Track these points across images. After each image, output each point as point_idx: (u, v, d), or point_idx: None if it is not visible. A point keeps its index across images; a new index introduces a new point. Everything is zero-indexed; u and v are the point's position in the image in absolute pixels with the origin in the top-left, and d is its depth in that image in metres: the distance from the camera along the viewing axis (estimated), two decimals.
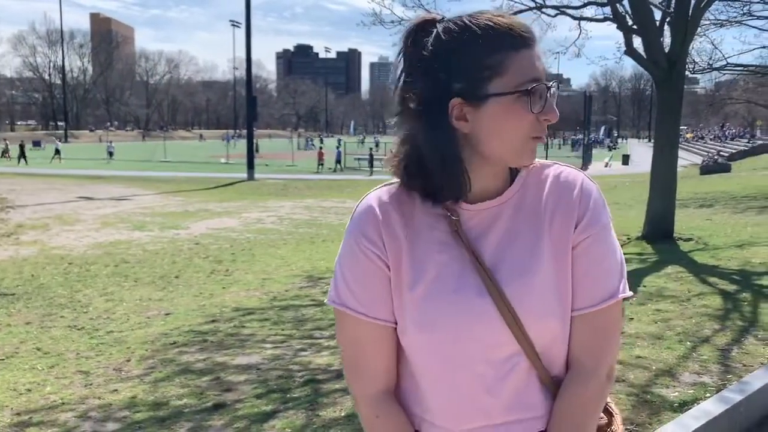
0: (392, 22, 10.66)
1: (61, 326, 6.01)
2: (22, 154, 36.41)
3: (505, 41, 1.01)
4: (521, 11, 10.44)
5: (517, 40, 1.02)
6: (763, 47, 17.74)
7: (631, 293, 1.12)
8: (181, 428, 3.58)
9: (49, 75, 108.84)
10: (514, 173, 1.13)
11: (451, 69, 1.01)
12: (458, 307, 1.06)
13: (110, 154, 41.95)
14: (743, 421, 3.44)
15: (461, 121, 1.02)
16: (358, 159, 37.86)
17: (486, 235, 1.09)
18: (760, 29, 15.83)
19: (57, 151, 39.08)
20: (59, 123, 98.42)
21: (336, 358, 4.75)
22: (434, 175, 1.05)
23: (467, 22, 1.02)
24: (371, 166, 34.06)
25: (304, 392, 4.05)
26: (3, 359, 5.10)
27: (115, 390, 4.23)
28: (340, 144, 40.91)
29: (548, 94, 1.02)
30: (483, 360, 1.06)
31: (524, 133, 1.03)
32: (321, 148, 39.64)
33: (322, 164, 34.85)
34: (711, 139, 63.07)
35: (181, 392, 4.13)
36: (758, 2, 13.51)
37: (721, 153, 39.74)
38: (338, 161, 36.14)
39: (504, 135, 1.03)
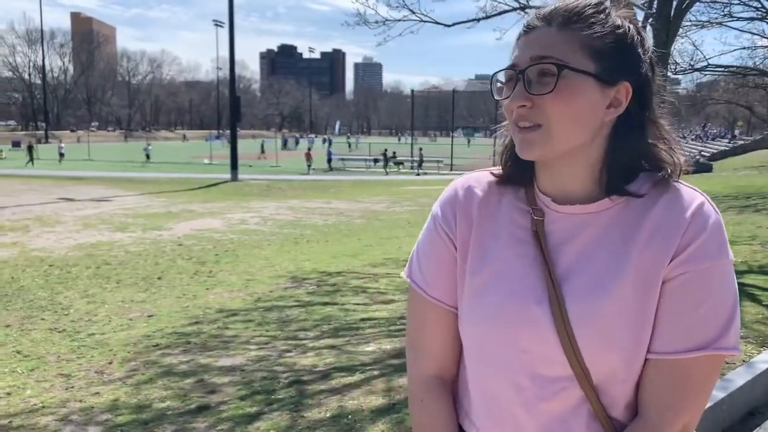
0: (376, 22, 10.59)
1: (41, 329, 5.93)
2: (31, 156, 35.90)
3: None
4: (505, 11, 10.46)
5: (523, 27, 1.02)
6: (744, 48, 17.94)
7: (735, 351, 0.94)
8: (165, 431, 3.54)
9: (29, 75, 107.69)
10: (621, 182, 0.99)
11: None
12: (510, 309, 1.00)
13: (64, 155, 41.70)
14: (726, 418, 3.47)
15: None
16: (343, 159, 37.84)
17: (567, 243, 1.01)
18: (740, 30, 15.95)
19: (61, 155, 38.85)
20: (40, 123, 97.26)
21: (321, 359, 4.73)
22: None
23: None
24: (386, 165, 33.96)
25: (288, 393, 4.02)
26: None
27: (97, 393, 4.18)
28: (330, 143, 40.94)
29: (518, 80, 0.97)
30: (527, 373, 0.99)
31: (508, 118, 1.01)
32: (309, 149, 39.53)
33: (310, 165, 34.72)
34: (692, 139, 63.77)
35: (164, 394, 4.09)
36: (738, 3, 13.67)
37: (703, 153, 40.22)
38: (329, 161, 36.11)
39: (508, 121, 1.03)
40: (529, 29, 1.00)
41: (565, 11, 0.97)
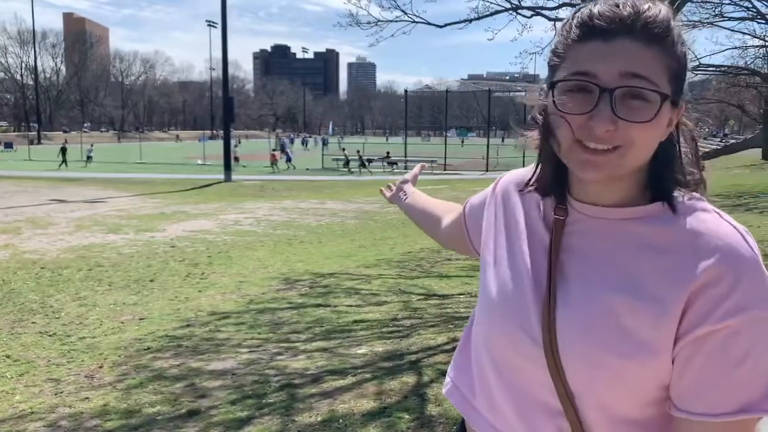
0: (368, 23, 10.60)
1: (32, 332, 5.89)
2: (64, 158, 35.24)
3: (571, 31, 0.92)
4: (497, 12, 10.49)
5: (591, 23, 0.90)
6: (735, 48, 18.00)
7: None
8: None
9: (21, 75, 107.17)
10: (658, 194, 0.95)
11: None
12: (507, 307, 1.01)
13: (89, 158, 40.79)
14: None
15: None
16: (336, 159, 37.78)
17: (580, 246, 0.97)
18: (731, 30, 16.02)
19: (89, 157, 37.98)
20: (32, 124, 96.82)
21: (312, 362, 4.71)
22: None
23: None
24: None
25: (279, 397, 4.01)
26: None
27: (87, 398, 4.15)
28: (291, 143, 40.87)
29: (601, 98, 0.86)
30: (511, 367, 1.01)
31: (566, 133, 0.90)
32: (274, 150, 39.04)
33: (275, 164, 34.60)
34: None
35: (155, 399, 4.07)
36: (729, 3, 13.74)
37: None
38: (288, 160, 36.03)
39: (556, 131, 0.93)
40: (607, 34, 0.88)
41: (652, 24, 0.88)
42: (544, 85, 0.96)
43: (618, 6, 0.88)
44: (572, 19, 0.92)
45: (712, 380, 0.84)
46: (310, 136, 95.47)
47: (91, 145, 43.41)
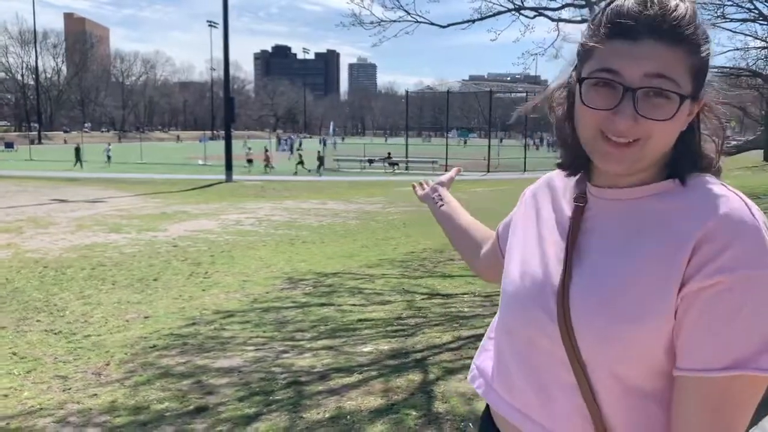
0: (372, 23, 10.61)
1: (37, 330, 5.90)
2: (78, 158, 35.06)
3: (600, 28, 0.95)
4: (500, 12, 10.49)
5: (617, 23, 0.93)
6: (736, 49, 18.04)
7: None
8: None
9: (22, 75, 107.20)
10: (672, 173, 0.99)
11: None
12: (525, 291, 1.07)
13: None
14: None
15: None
16: (338, 160, 37.80)
17: (598, 230, 1.02)
18: (733, 32, 16.00)
19: (108, 158, 37.77)
20: (33, 124, 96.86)
21: (318, 360, 4.73)
22: None
23: None
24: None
25: (286, 395, 4.03)
26: None
27: (95, 394, 4.17)
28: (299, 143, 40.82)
29: (625, 96, 0.91)
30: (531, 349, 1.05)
31: (591, 123, 0.95)
32: (267, 149, 38.27)
33: (268, 165, 34.46)
34: None
35: (162, 396, 4.08)
36: (731, 5, 13.74)
37: None
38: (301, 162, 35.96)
39: (580, 120, 0.98)
40: (634, 33, 0.91)
41: (674, 26, 0.91)
42: (573, 74, 1.00)
43: (646, 5, 0.91)
44: (602, 14, 0.95)
45: (703, 336, 0.86)
46: (309, 137, 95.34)
47: (109, 145, 43.01)
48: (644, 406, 0.94)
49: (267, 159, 34.30)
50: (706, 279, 0.86)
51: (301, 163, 34.16)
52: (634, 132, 0.91)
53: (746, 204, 0.90)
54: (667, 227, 0.92)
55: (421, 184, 1.74)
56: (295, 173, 32.14)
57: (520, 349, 1.06)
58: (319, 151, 35.77)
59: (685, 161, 0.98)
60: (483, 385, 1.18)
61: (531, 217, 1.17)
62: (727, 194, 0.92)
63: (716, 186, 0.95)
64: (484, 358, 1.21)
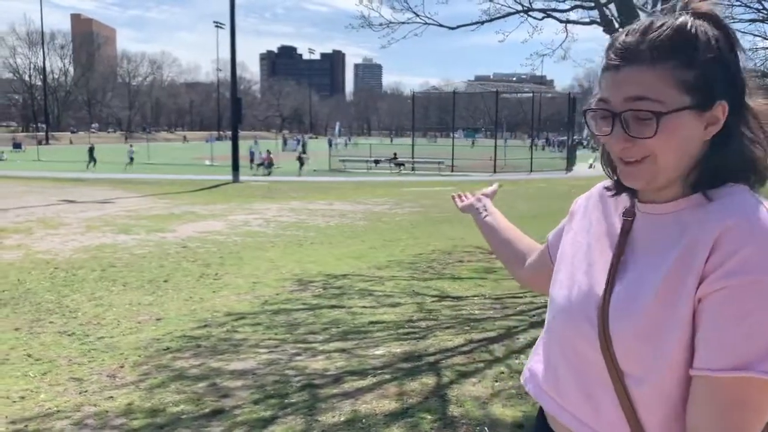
0: (380, 24, 10.65)
1: (50, 332, 5.94)
2: (91, 157, 34.82)
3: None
4: (508, 14, 10.50)
5: (607, 59, 1.02)
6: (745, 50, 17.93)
7: None
8: None
9: (30, 76, 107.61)
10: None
11: None
12: (572, 305, 1.11)
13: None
14: None
15: None
16: (343, 161, 37.83)
17: (641, 244, 1.06)
18: (741, 32, 15.94)
19: (131, 159, 37.34)
20: (40, 125, 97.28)
21: (332, 362, 4.75)
22: None
23: None
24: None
25: (301, 397, 4.05)
26: None
27: (111, 397, 4.20)
28: (255, 144, 40.93)
29: (615, 122, 0.99)
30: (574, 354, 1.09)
31: (613, 152, 1.05)
32: (269, 151, 38.20)
33: (270, 165, 34.47)
34: None
35: (178, 398, 4.11)
36: (739, 5, 13.69)
37: None
38: (255, 161, 35.87)
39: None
40: (615, 65, 0.99)
41: (652, 48, 0.96)
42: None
43: (627, 33, 1.00)
44: (607, 47, 1.04)
45: (711, 336, 0.89)
46: (315, 137, 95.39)
47: (131, 146, 42.73)
48: (682, 414, 0.95)
49: (270, 160, 34.38)
50: (716, 282, 0.89)
51: (301, 164, 34.22)
52: (634, 152, 0.99)
53: (764, 204, 0.93)
54: (687, 239, 0.95)
55: (460, 196, 1.81)
56: (299, 175, 32.20)
57: (569, 355, 1.11)
58: (299, 153, 35.98)
59: (709, 173, 0.99)
60: (535, 388, 1.23)
61: (584, 228, 1.21)
62: (749, 201, 0.94)
63: (741, 195, 0.96)
64: (536, 361, 1.24)
